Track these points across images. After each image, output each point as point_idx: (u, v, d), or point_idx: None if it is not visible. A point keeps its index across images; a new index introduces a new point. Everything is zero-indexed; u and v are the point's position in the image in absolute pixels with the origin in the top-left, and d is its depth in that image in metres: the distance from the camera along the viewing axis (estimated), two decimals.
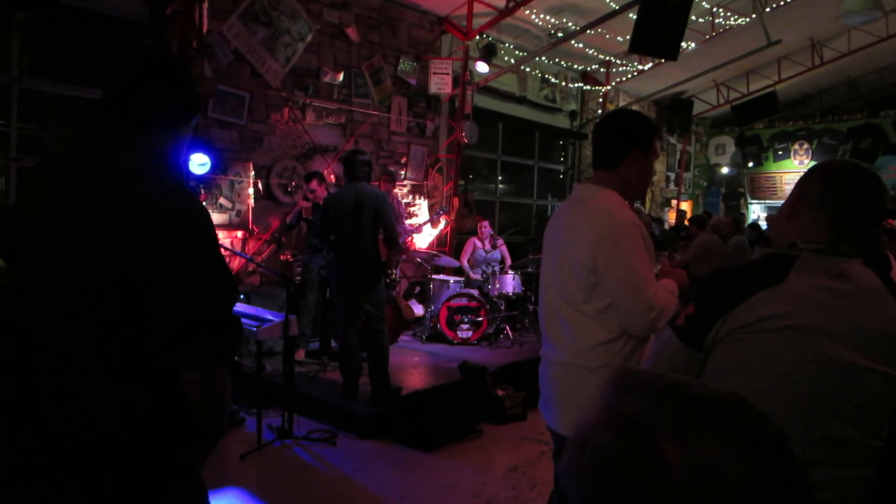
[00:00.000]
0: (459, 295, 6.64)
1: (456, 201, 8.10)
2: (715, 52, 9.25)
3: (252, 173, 6.14)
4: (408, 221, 7.42)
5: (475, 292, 6.67)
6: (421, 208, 8.02)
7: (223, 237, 5.95)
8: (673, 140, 12.99)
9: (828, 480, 1.29)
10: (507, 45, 8.68)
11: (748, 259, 1.52)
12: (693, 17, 7.36)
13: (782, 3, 8.04)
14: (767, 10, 8.17)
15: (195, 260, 1.27)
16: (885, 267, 2.18)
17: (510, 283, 6.78)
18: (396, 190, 7.40)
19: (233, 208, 6.05)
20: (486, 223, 7.48)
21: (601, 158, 2.10)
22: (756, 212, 13.76)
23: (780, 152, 13.26)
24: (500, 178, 9.94)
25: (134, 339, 1.24)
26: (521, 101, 9.52)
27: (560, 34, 8.32)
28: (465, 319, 6.62)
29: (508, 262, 7.42)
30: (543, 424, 2.20)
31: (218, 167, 5.73)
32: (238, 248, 6.10)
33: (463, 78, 7.91)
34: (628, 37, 6.72)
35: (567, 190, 11.10)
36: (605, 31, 8.34)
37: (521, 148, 10.20)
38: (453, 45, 8.08)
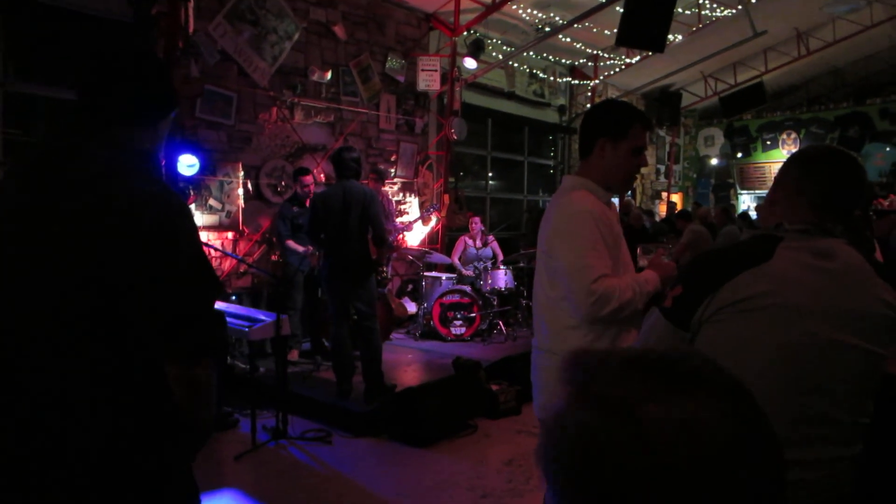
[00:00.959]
0: (452, 291, 6.65)
1: (446, 198, 8.10)
2: (702, 44, 9.29)
3: (241, 174, 6.12)
4: (399, 219, 7.42)
5: (467, 288, 6.68)
6: (411, 206, 8.02)
7: (213, 238, 5.93)
8: (662, 132, 13.03)
9: (817, 459, 1.30)
10: (494, 40, 8.68)
11: None
12: (679, 10, 7.39)
13: None
14: (753, 1, 8.20)
15: (173, 257, 1.26)
16: (868, 249, 2.21)
17: (502, 278, 6.79)
18: (386, 188, 7.40)
19: (222, 209, 6.03)
20: (477, 219, 7.48)
21: (579, 149, 2.17)
22: (746, 202, 13.83)
23: (768, 142, 13.33)
24: (490, 174, 9.94)
25: (114, 338, 1.24)
26: (510, 96, 9.53)
27: (547, 29, 8.33)
28: (458, 316, 6.63)
29: (500, 257, 7.43)
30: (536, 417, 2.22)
31: (207, 168, 5.70)
32: (229, 248, 6.08)
33: (451, 74, 7.90)
34: (615, 30, 6.74)
35: (557, 184, 11.10)
36: (592, 24, 8.35)
37: (510, 143, 10.21)
38: (441, 42, 8.08)
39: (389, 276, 6.89)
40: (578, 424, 0.56)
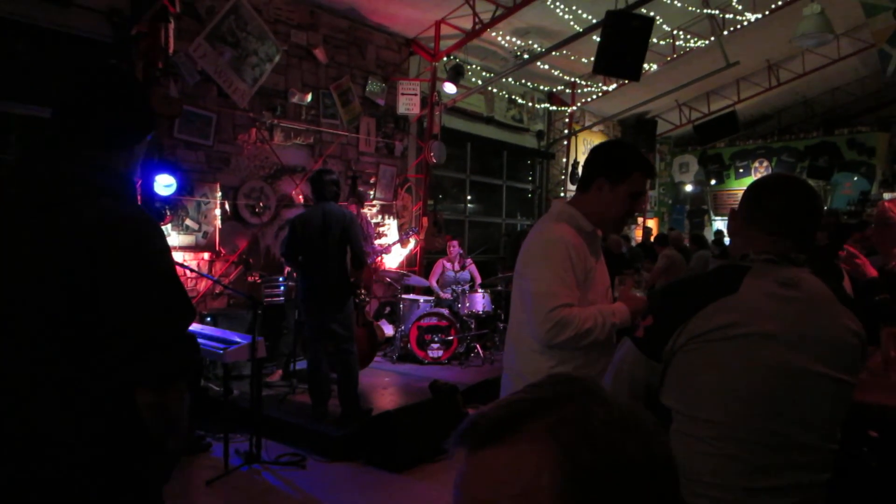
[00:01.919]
0: (430, 314, 6.64)
1: (425, 221, 8.13)
2: (676, 74, 9.51)
3: (219, 194, 6.09)
4: (377, 241, 7.41)
5: (445, 311, 6.67)
6: (390, 228, 8.03)
7: (189, 259, 5.87)
8: None
9: (789, 485, 1.32)
10: (474, 66, 8.79)
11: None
12: (654, 40, 7.57)
13: (739, 26, 8.31)
14: (725, 32, 8.44)
15: (145, 280, 1.25)
16: (837, 277, 2.26)
17: (480, 301, 6.80)
18: (365, 210, 7.40)
19: (199, 230, 5.98)
20: (454, 242, 7.50)
21: (580, 180, 2.20)
22: (720, 228, 14.07)
23: (741, 170, 13.61)
24: (468, 197, 10.00)
25: (83, 361, 1.22)
26: (489, 121, 9.63)
27: (526, 56, 8.46)
28: (436, 339, 6.61)
29: (478, 280, 7.44)
30: None
31: (184, 188, 5.66)
32: (205, 269, 6.01)
33: (431, 99, 7.98)
34: (592, 58, 6.87)
35: (535, 209, 11.22)
36: (570, 52, 8.51)
37: (489, 167, 10.29)
38: (421, 67, 8.16)
39: (368, 300, 6.86)
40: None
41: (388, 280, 7.39)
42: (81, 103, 1.36)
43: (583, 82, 10.16)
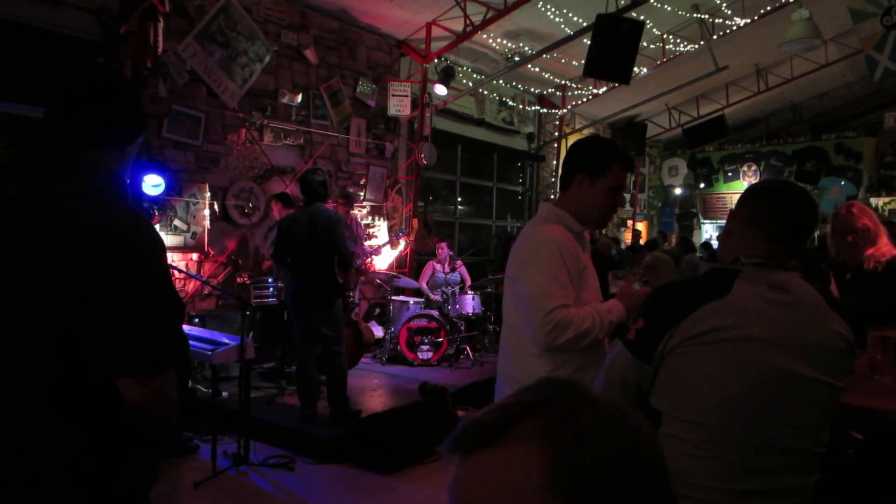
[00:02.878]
0: (419, 316, 6.63)
1: (415, 222, 8.12)
2: (666, 77, 9.55)
3: (208, 194, 6.06)
4: (367, 243, 7.39)
5: (435, 313, 6.67)
6: (380, 229, 8.01)
7: (178, 259, 5.83)
8: None
9: (778, 488, 1.32)
10: (465, 68, 8.80)
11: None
12: (644, 44, 7.60)
13: (728, 31, 8.37)
14: (715, 37, 8.50)
15: (135, 280, 1.25)
16: (824, 281, 2.28)
17: (470, 303, 6.80)
18: (355, 211, 7.38)
19: (188, 230, 5.94)
20: (443, 245, 7.48)
21: (560, 180, 2.20)
22: (709, 231, 14.15)
23: (729, 174, 13.69)
24: (459, 199, 10.01)
25: (69, 358, 1.21)
26: (480, 123, 9.64)
27: (517, 58, 8.48)
28: (426, 340, 6.60)
29: (468, 282, 7.44)
30: None
31: (173, 188, 5.63)
32: (193, 270, 5.98)
33: (422, 100, 7.98)
34: (583, 61, 6.89)
35: (525, 211, 11.24)
36: (561, 55, 8.54)
37: (479, 169, 10.30)
38: (412, 68, 8.16)
39: (357, 301, 6.85)
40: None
41: (378, 281, 7.37)
42: (72, 103, 1.36)
43: (573, 85, 10.20)
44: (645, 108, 11.33)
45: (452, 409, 4.94)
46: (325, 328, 4.61)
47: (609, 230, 12.69)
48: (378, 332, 7.12)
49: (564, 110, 10.67)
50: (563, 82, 10.11)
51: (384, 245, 7.37)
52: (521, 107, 10.35)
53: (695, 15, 8.15)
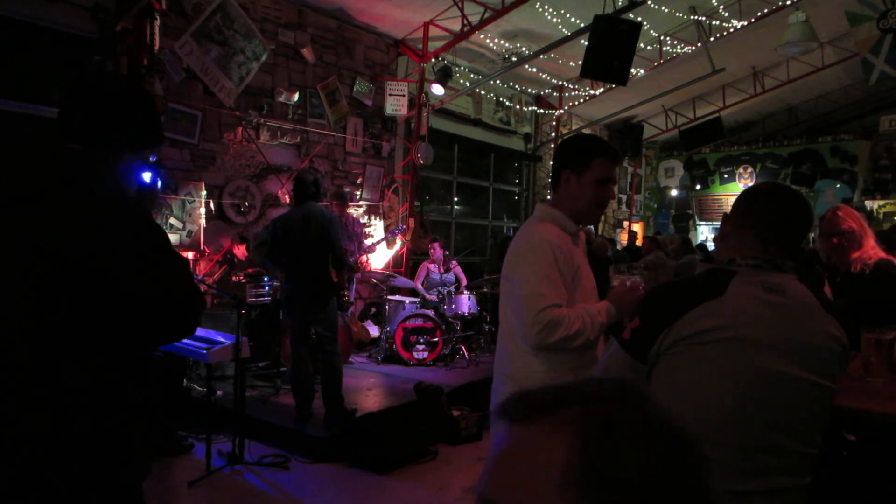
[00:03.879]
0: (415, 315, 6.63)
1: (412, 222, 8.12)
2: (663, 79, 9.58)
3: (204, 193, 6.04)
4: (364, 241, 7.38)
5: (431, 313, 6.66)
6: (376, 229, 8.01)
7: None
8: (624, 163, 13.32)
9: (772, 489, 1.33)
10: (462, 68, 8.80)
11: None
12: (642, 45, 7.62)
13: (726, 33, 8.39)
14: (712, 39, 8.52)
15: (138, 253, 1.30)
16: (818, 283, 2.29)
17: (465, 303, 6.80)
18: (352, 210, 7.38)
19: (184, 228, 5.93)
20: (436, 245, 7.44)
21: (551, 180, 2.23)
22: (704, 233, 14.18)
23: (725, 175, 13.73)
24: (455, 199, 10.01)
25: (70, 351, 1.22)
26: (477, 123, 9.65)
27: (514, 58, 8.49)
28: (421, 340, 6.60)
29: (464, 282, 7.44)
30: None
31: (168, 186, 5.62)
32: (190, 268, 5.96)
33: (419, 100, 7.98)
34: (580, 62, 6.91)
35: (522, 211, 11.26)
36: (558, 56, 8.55)
37: (476, 169, 10.31)
38: (409, 68, 8.16)
39: (352, 300, 6.84)
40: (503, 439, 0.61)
41: (374, 281, 7.37)
42: (88, 106, 1.40)
43: (570, 86, 10.21)
44: (642, 110, 11.35)
45: (448, 409, 4.94)
46: (319, 327, 4.60)
47: (605, 231, 12.72)
48: (374, 331, 7.11)
49: (561, 111, 10.69)
50: (560, 83, 10.12)
51: (379, 242, 7.36)
52: (517, 107, 10.36)
53: (692, 17, 8.17)
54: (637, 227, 13.77)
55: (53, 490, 1.20)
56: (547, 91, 10.42)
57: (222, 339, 4.04)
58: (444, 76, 7.66)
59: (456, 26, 7.23)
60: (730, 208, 1.58)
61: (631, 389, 0.63)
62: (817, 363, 1.37)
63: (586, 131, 11.76)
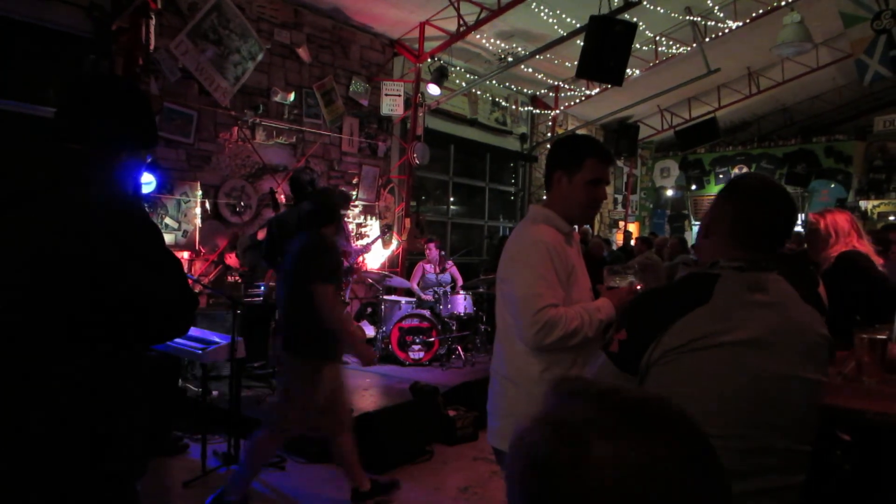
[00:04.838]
0: (411, 316, 6.63)
1: (408, 222, 8.11)
2: (658, 79, 9.59)
3: (199, 193, 6.03)
4: (358, 242, 7.38)
5: (427, 313, 6.66)
6: (372, 229, 8.01)
7: None
8: (620, 163, 13.34)
9: (766, 488, 1.33)
10: (458, 68, 8.80)
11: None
12: (637, 45, 7.63)
13: (721, 34, 8.41)
14: (707, 39, 8.54)
15: (136, 252, 1.30)
16: (812, 283, 2.30)
17: (461, 303, 6.80)
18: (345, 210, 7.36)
19: (179, 228, 5.92)
20: (432, 245, 7.43)
21: (545, 182, 2.23)
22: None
23: (720, 176, 13.76)
24: (451, 199, 10.01)
25: (69, 350, 1.23)
26: (472, 123, 9.65)
27: (510, 59, 8.49)
28: (417, 340, 6.60)
29: (460, 282, 7.43)
30: None
31: (164, 186, 5.60)
32: (184, 269, 5.95)
33: (414, 100, 7.98)
34: (576, 62, 6.91)
35: (518, 211, 11.26)
36: (554, 56, 8.55)
37: (472, 170, 10.31)
38: (405, 68, 8.16)
39: (348, 300, 6.83)
40: (535, 446, 0.59)
41: (370, 281, 7.36)
42: (85, 106, 1.41)
43: (566, 86, 10.22)
44: (637, 110, 11.37)
45: (444, 409, 4.95)
46: None
47: (601, 231, 12.74)
48: (370, 331, 7.11)
49: (557, 111, 10.70)
50: (555, 83, 10.13)
51: (374, 241, 7.36)
52: (513, 107, 10.36)
53: (687, 17, 8.18)
54: (633, 228, 13.79)
55: (49, 488, 1.20)
56: (543, 91, 10.43)
57: (218, 340, 4.03)
58: (440, 76, 7.66)
59: (452, 26, 7.23)
60: (711, 203, 1.55)
61: (679, 423, 0.62)
62: (805, 358, 1.38)
63: (582, 131, 11.78)
